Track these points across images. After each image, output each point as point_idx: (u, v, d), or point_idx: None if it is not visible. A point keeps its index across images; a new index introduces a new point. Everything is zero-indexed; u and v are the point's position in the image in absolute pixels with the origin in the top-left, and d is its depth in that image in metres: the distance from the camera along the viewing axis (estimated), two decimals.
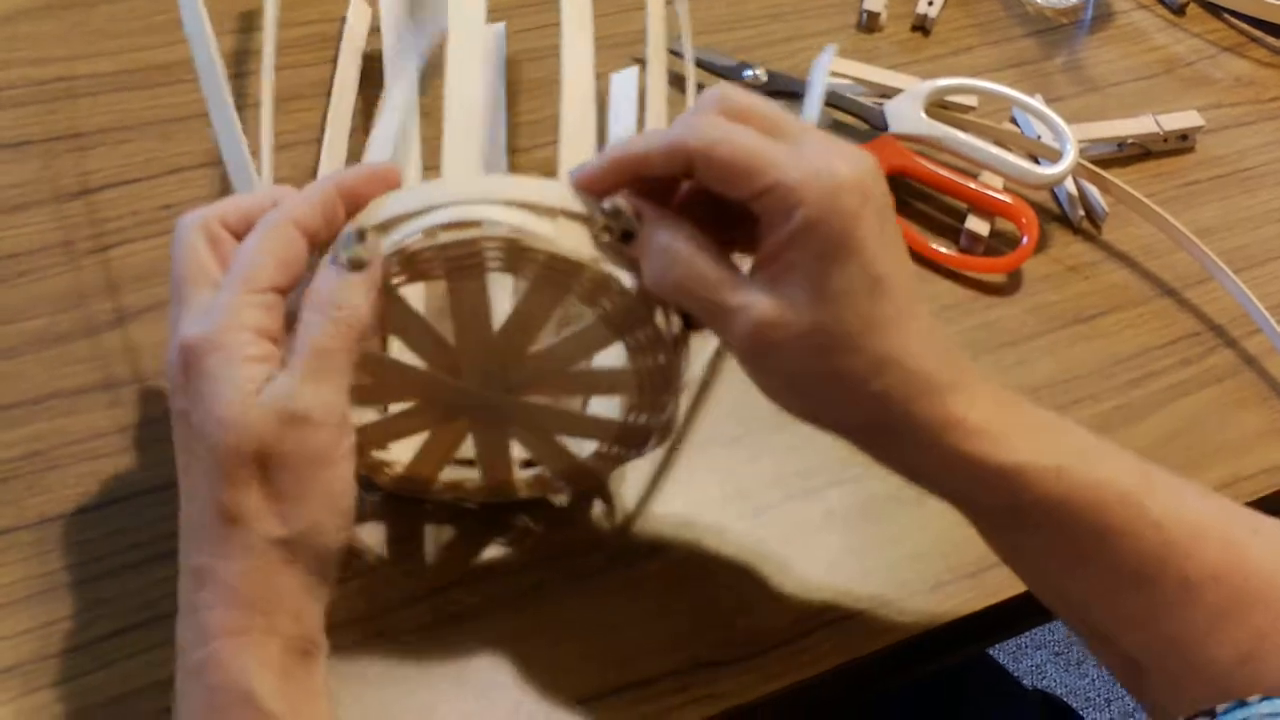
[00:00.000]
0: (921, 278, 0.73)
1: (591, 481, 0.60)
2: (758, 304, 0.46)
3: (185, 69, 0.75)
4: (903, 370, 0.47)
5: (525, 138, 0.75)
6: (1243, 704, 0.47)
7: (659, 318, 0.49)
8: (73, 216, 0.68)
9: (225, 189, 0.70)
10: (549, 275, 0.48)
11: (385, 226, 0.48)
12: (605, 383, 0.56)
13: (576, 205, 0.48)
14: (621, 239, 0.48)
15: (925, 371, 0.47)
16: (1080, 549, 0.49)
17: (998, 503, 0.49)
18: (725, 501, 0.63)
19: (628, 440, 0.56)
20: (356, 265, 0.46)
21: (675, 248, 0.47)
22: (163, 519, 0.58)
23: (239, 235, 0.48)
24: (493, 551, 0.60)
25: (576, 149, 0.54)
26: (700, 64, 0.79)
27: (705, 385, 0.66)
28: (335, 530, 0.46)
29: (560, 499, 0.61)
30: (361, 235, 0.47)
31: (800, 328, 0.46)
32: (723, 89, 0.48)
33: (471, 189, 0.48)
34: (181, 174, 0.71)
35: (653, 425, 0.55)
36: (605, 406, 0.58)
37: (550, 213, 0.48)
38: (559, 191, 0.48)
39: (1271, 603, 0.48)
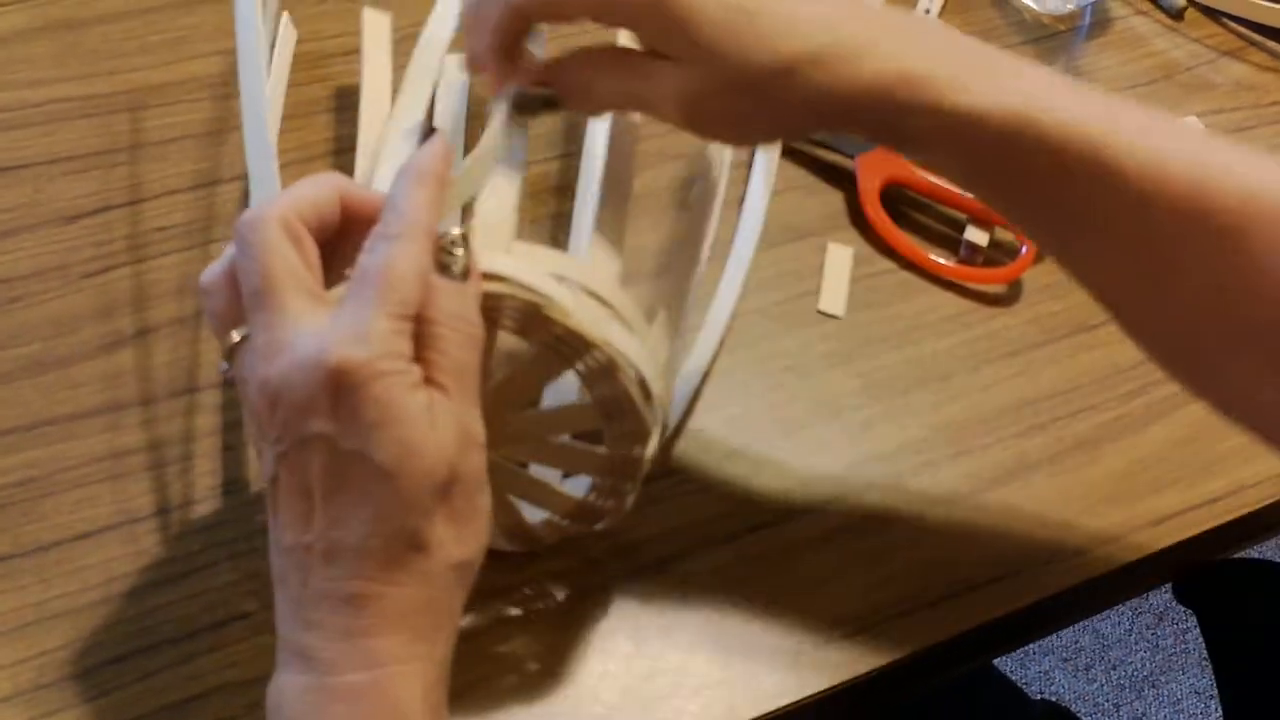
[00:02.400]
0: (921, 289, 0.72)
1: (533, 545, 0.59)
2: (662, 91, 0.49)
3: (179, 90, 0.75)
4: (821, 64, 0.47)
5: None
6: None
7: (646, 413, 0.49)
8: (68, 240, 0.68)
9: (217, 211, 0.70)
10: (557, 347, 0.48)
11: None
12: (576, 460, 0.55)
13: (601, 286, 0.48)
14: (548, 107, 0.51)
15: (845, 46, 0.47)
16: (1038, 194, 0.49)
17: (957, 154, 0.49)
18: (724, 516, 0.62)
19: (580, 516, 0.56)
20: (465, 273, 0.45)
21: (576, 80, 0.51)
22: (161, 544, 0.58)
23: (313, 233, 0.46)
24: (487, 568, 0.59)
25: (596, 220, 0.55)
26: None
27: (698, 395, 0.66)
28: (484, 549, 0.47)
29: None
30: (466, 240, 0.45)
31: (707, 87, 0.48)
32: None
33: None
34: (177, 196, 0.71)
35: (607, 509, 0.55)
36: (566, 480, 0.58)
37: (573, 286, 0.47)
38: (586, 269, 0.48)
39: (1238, 228, 0.47)
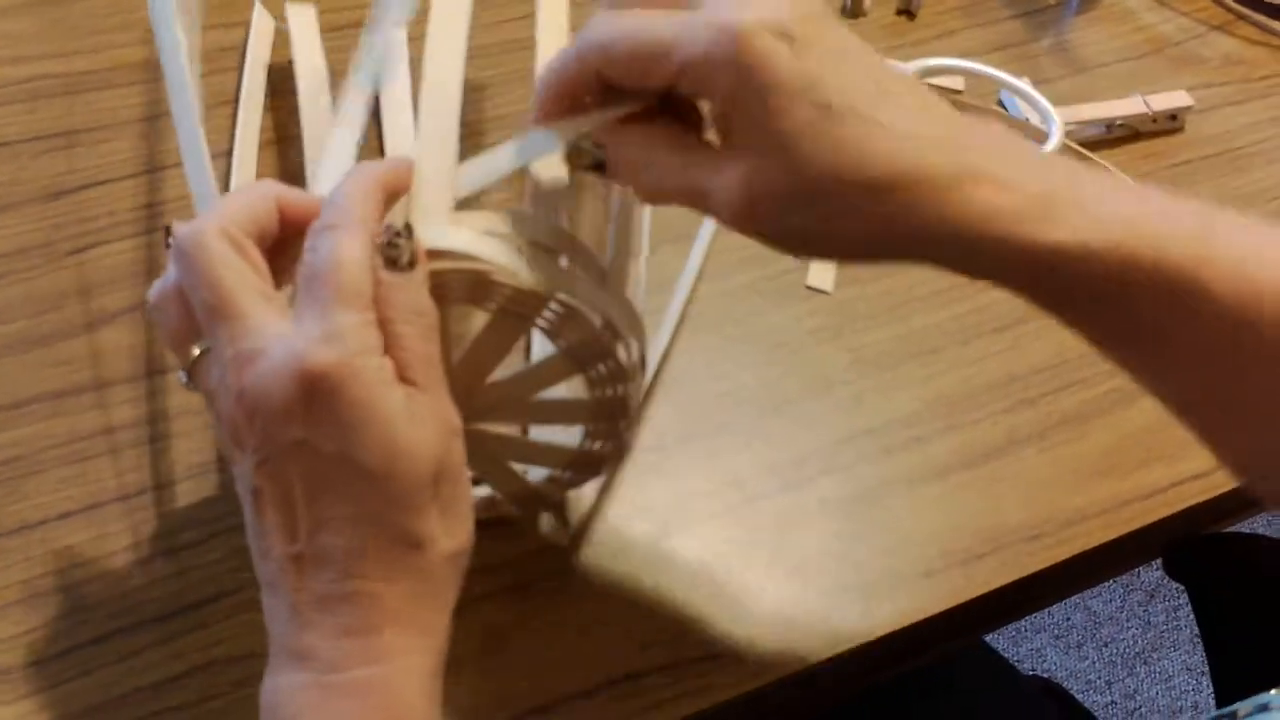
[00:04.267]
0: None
1: (543, 505, 0.59)
2: (726, 180, 0.44)
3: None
4: (891, 184, 0.42)
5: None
6: (1264, 709, 0.46)
7: (620, 351, 0.49)
8: (51, 217, 0.68)
9: None
10: (513, 309, 0.47)
11: None
12: (563, 413, 0.55)
13: (544, 231, 0.47)
14: (595, 169, 0.46)
15: (918, 172, 0.42)
16: (1142, 329, 0.45)
17: (1043, 289, 0.45)
18: (716, 491, 0.62)
19: (581, 466, 0.56)
20: (413, 262, 0.44)
21: (635, 155, 0.46)
22: (145, 523, 0.58)
23: (254, 241, 0.45)
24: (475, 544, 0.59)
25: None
26: None
27: (668, 351, 0.65)
28: (473, 536, 0.46)
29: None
30: (410, 231, 0.45)
31: (773, 186, 0.43)
32: None
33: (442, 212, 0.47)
34: (160, 173, 0.70)
35: (606, 452, 0.55)
36: (559, 433, 0.58)
37: (516, 242, 0.47)
38: (526, 218, 0.47)
39: None
